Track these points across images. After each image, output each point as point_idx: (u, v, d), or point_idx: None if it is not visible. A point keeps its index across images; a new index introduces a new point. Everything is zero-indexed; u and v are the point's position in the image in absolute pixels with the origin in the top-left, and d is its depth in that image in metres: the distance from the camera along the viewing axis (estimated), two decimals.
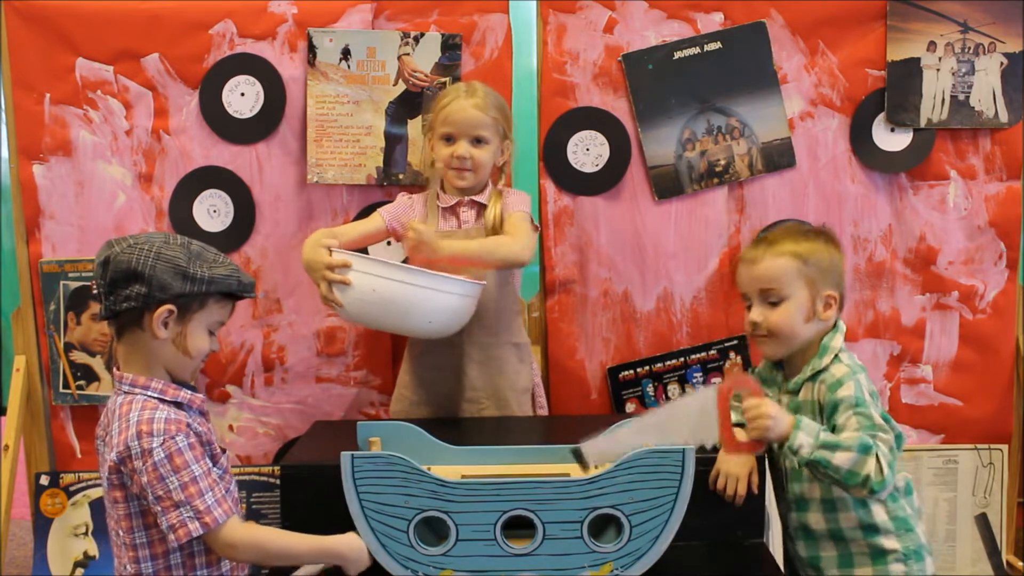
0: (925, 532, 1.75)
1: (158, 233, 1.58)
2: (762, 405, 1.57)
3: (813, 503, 1.73)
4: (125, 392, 1.54)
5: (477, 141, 2.14)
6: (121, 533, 1.53)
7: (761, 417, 1.56)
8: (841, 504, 1.70)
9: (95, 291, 1.57)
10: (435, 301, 1.93)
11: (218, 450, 1.58)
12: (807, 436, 1.56)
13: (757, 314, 1.75)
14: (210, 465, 1.53)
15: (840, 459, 1.55)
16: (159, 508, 1.47)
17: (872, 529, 1.70)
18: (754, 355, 2.43)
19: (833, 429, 1.63)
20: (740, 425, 1.62)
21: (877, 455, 1.55)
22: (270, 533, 1.56)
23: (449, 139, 2.14)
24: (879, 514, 1.70)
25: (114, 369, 1.59)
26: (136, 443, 1.47)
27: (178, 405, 1.55)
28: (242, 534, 1.52)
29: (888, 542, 1.70)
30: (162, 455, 1.47)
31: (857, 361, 1.74)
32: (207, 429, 1.59)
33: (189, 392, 1.58)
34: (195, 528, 1.47)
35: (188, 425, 1.52)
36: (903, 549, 1.70)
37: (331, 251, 1.96)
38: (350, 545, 1.54)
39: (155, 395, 1.54)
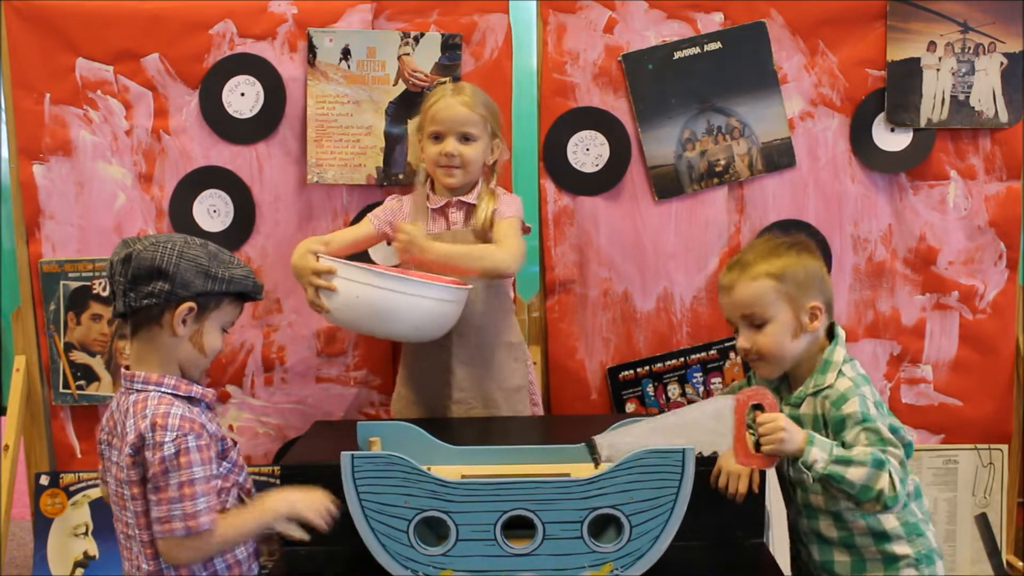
0: (935, 535, 1.75)
1: (176, 234, 1.61)
2: (777, 419, 1.56)
3: (820, 512, 1.73)
4: (138, 390, 1.56)
5: (465, 139, 2.13)
6: (139, 530, 1.54)
7: (776, 431, 1.56)
8: (848, 512, 1.70)
9: (110, 288, 1.59)
10: (419, 307, 1.94)
11: (229, 443, 1.61)
12: (821, 451, 1.56)
13: (745, 340, 1.73)
14: (215, 468, 1.54)
15: (854, 474, 1.55)
16: (154, 498, 1.50)
17: (882, 536, 1.70)
18: None
19: (842, 446, 1.63)
20: (749, 428, 1.62)
21: (890, 470, 1.55)
22: (219, 533, 1.52)
23: (437, 137, 2.14)
24: (889, 521, 1.69)
25: (122, 368, 1.61)
26: (150, 434, 1.49)
27: (190, 400, 1.58)
28: (206, 543, 1.51)
29: (899, 548, 1.70)
30: (172, 451, 1.49)
31: (860, 371, 1.72)
32: (216, 425, 1.61)
33: (200, 388, 1.61)
34: (179, 528, 1.48)
35: (203, 426, 1.54)
36: (915, 554, 1.69)
37: (318, 257, 1.98)
38: (283, 500, 1.56)
39: (168, 391, 1.56)
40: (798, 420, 1.71)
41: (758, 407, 1.59)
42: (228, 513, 1.56)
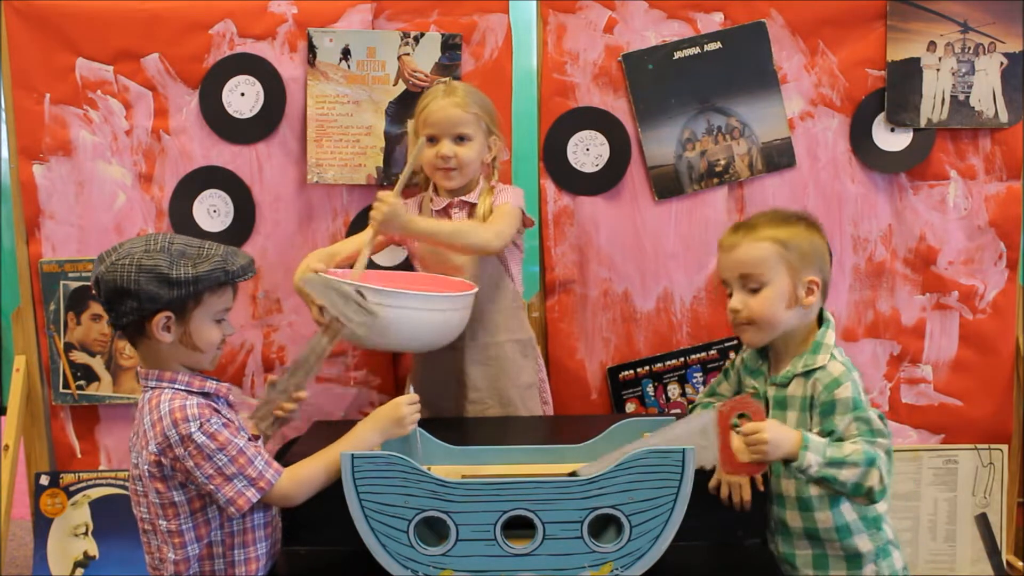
0: (892, 527, 1.75)
1: (140, 239, 1.58)
2: (761, 431, 1.55)
3: (789, 500, 1.72)
4: (152, 387, 1.59)
5: (460, 139, 2.13)
6: (164, 523, 1.56)
7: (759, 444, 1.56)
8: (817, 503, 1.69)
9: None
10: (417, 320, 1.92)
11: (250, 436, 1.63)
12: (815, 455, 1.55)
13: (738, 301, 1.71)
14: (248, 438, 1.58)
15: (847, 475, 1.55)
16: (212, 486, 1.52)
17: (845, 530, 1.69)
18: None
19: (831, 432, 1.62)
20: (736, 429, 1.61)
21: (879, 466, 1.55)
22: (311, 466, 1.60)
23: (432, 140, 2.14)
24: (849, 513, 1.69)
25: (137, 368, 1.63)
26: (174, 431, 1.51)
27: (206, 396, 1.59)
28: (290, 483, 1.58)
29: (861, 543, 1.69)
30: (203, 437, 1.51)
31: (848, 358, 1.73)
32: (236, 419, 1.63)
33: (215, 383, 1.61)
34: (252, 495, 1.54)
35: (216, 410, 1.57)
36: (874, 549, 1.70)
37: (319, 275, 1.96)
38: (383, 419, 1.65)
39: (182, 387, 1.58)
40: (783, 401, 1.70)
41: (745, 415, 1.59)
42: (317, 454, 1.62)
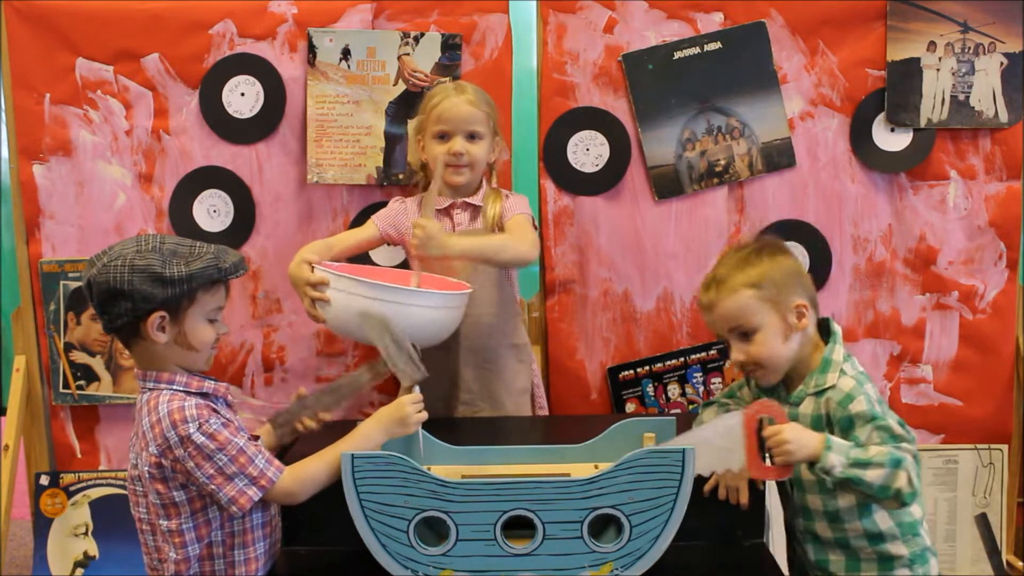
0: (928, 532, 1.75)
1: (130, 240, 1.58)
2: (782, 432, 1.56)
3: (817, 513, 1.73)
4: (150, 389, 1.59)
5: (471, 137, 2.13)
6: (164, 523, 1.57)
7: (780, 444, 1.56)
8: (846, 514, 1.70)
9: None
10: (409, 315, 1.90)
11: (250, 437, 1.63)
12: (838, 455, 1.56)
13: (738, 351, 1.73)
14: (247, 437, 1.59)
15: (872, 476, 1.55)
16: (214, 486, 1.53)
17: (878, 537, 1.70)
18: None
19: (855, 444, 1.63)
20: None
21: (907, 468, 1.55)
22: (314, 464, 1.61)
23: (443, 137, 2.14)
24: (884, 521, 1.69)
25: (135, 369, 1.63)
26: (173, 432, 1.52)
27: (204, 396, 1.59)
28: (292, 480, 1.59)
29: (895, 548, 1.70)
30: (203, 438, 1.52)
31: (860, 368, 1.72)
32: (236, 419, 1.63)
33: (212, 383, 1.61)
34: (254, 493, 1.54)
35: (215, 411, 1.57)
36: (909, 554, 1.70)
37: (313, 267, 1.95)
38: (387, 418, 1.66)
39: (180, 388, 1.58)
40: (797, 419, 1.71)
41: (768, 419, 1.59)
42: (320, 452, 1.63)
